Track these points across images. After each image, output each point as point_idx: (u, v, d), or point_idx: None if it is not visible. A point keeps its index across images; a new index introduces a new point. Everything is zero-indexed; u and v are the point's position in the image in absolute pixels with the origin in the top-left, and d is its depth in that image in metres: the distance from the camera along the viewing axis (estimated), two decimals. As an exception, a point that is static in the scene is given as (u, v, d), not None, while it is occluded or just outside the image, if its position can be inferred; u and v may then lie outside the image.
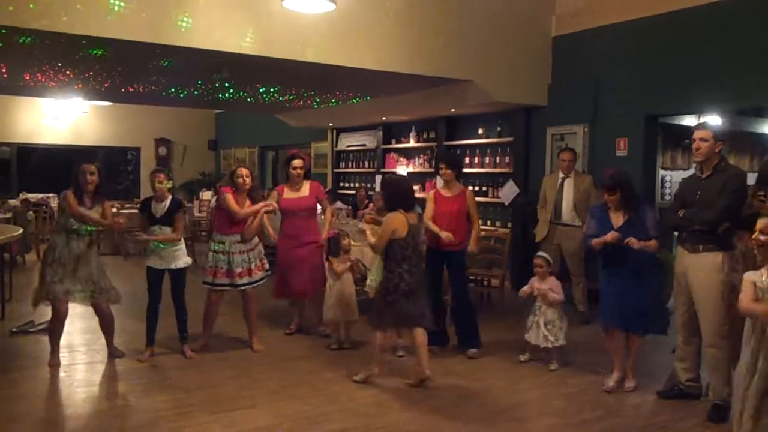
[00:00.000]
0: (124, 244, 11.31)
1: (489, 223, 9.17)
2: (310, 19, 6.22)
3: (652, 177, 7.52)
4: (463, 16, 7.35)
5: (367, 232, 5.20)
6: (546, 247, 6.67)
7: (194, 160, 16.42)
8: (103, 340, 5.45)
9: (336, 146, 12.65)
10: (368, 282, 5.80)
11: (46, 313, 5.34)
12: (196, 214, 11.71)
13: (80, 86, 8.88)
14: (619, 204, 4.73)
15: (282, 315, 6.62)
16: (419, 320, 4.75)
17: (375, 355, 4.88)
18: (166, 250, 5.29)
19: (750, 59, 6.20)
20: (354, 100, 9.77)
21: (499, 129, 9.11)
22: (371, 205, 8.46)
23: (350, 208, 9.87)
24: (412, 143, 10.67)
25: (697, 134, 4.33)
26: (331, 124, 12.22)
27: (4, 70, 7.67)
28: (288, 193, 6.08)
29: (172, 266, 5.33)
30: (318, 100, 9.86)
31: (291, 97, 9.62)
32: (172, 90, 9.13)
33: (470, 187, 8.75)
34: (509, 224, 8.76)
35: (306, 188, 6.12)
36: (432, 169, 9.82)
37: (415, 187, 9.35)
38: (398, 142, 11.09)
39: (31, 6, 5.20)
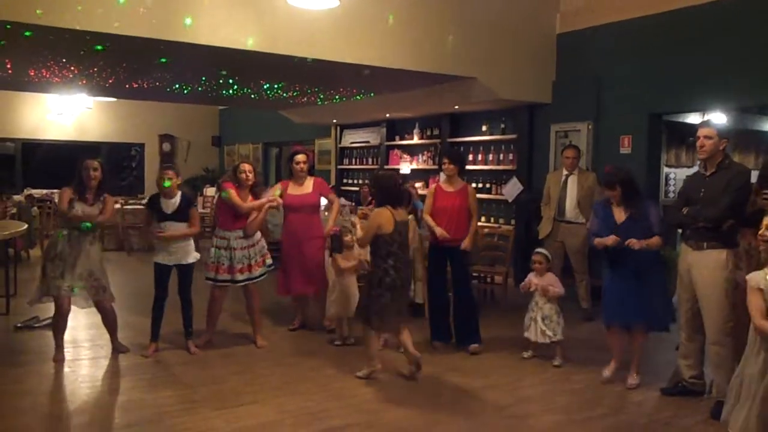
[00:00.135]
0: (128, 239, 11.34)
1: (492, 220, 9.18)
2: (315, 16, 6.22)
3: (656, 174, 7.50)
4: (467, 13, 7.34)
5: (357, 226, 5.24)
6: (549, 244, 6.67)
7: (198, 156, 16.43)
8: (107, 335, 5.47)
9: (340, 143, 12.65)
10: None
11: (50, 308, 5.35)
12: (200, 210, 11.71)
13: (84, 82, 8.90)
14: (621, 200, 4.74)
15: (285, 311, 6.63)
16: (402, 316, 4.83)
17: (370, 351, 4.89)
18: (175, 246, 5.30)
19: (754, 57, 6.19)
20: (358, 97, 9.77)
21: (502, 126, 9.09)
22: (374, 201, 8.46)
23: (354, 204, 9.86)
24: (415, 140, 10.66)
25: (701, 132, 4.33)
26: (334, 121, 12.22)
27: (8, 66, 7.69)
28: (292, 189, 6.09)
29: (182, 261, 5.35)
30: (322, 96, 9.86)
31: (295, 94, 9.62)
32: (176, 86, 9.14)
33: (473, 184, 8.87)
34: (513, 221, 8.76)
35: (309, 184, 6.13)
36: (435, 166, 9.82)
37: (418, 185, 9.47)
38: (402, 138, 11.08)
39: (37, 12, 5.22)
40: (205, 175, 15.80)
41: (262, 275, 5.70)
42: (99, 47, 6.29)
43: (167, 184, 5.27)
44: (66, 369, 5.05)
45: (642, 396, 4.63)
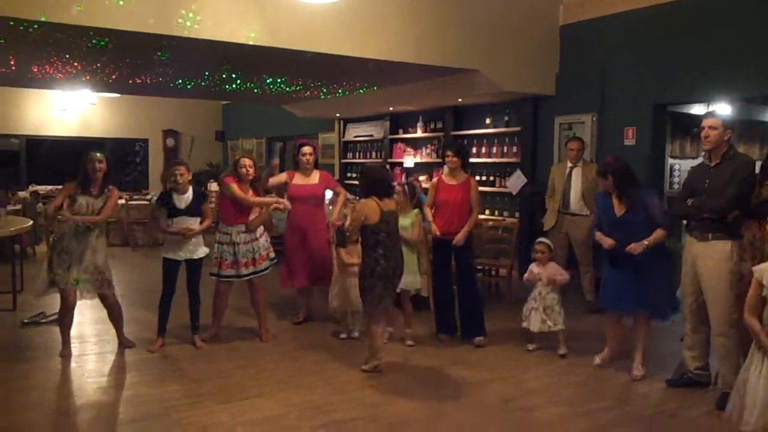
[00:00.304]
0: (133, 235, 11.37)
1: (497, 213, 9.17)
2: (317, 9, 6.20)
3: (661, 166, 7.48)
4: (470, 5, 7.32)
5: (349, 218, 5.28)
6: (554, 237, 6.66)
7: (202, 151, 16.42)
8: (114, 330, 5.49)
9: (343, 137, 12.64)
10: None
11: (56, 304, 5.38)
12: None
13: (88, 78, 8.90)
14: (615, 191, 4.77)
15: (290, 305, 6.64)
16: (386, 306, 4.93)
17: (375, 344, 4.91)
18: (186, 241, 5.32)
19: (758, 47, 6.15)
20: (361, 91, 9.76)
21: (506, 119, 9.07)
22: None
23: (357, 198, 9.86)
24: (419, 133, 10.65)
25: (706, 122, 4.31)
26: (338, 115, 12.21)
27: (12, 63, 7.70)
28: (298, 179, 6.10)
29: (193, 256, 5.37)
30: (325, 90, 9.85)
31: (298, 88, 9.61)
32: (179, 81, 9.15)
33: (477, 177, 8.86)
34: (517, 214, 8.74)
35: (316, 177, 6.15)
36: (439, 160, 9.81)
37: (422, 178, 9.45)
38: (405, 132, 11.07)
39: (42, 17, 5.24)
40: (209, 170, 15.80)
41: (266, 269, 5.70)
42: (101, 42, 6.30)
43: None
44: (73, 364, 5.07)
45: (647, 387, 4.63)
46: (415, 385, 4.68)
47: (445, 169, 5.80)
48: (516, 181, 8.61)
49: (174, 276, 5.38)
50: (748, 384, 3.43)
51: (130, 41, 6.13)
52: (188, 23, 5.83)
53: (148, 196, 12.63)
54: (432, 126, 10.38)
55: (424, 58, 7.15)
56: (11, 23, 5.47)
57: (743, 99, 7.45)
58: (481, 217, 8.66)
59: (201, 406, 4.21)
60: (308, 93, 10.14)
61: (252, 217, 5.58)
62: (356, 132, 12.27)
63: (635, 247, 4.59)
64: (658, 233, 4.62)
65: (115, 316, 5.41)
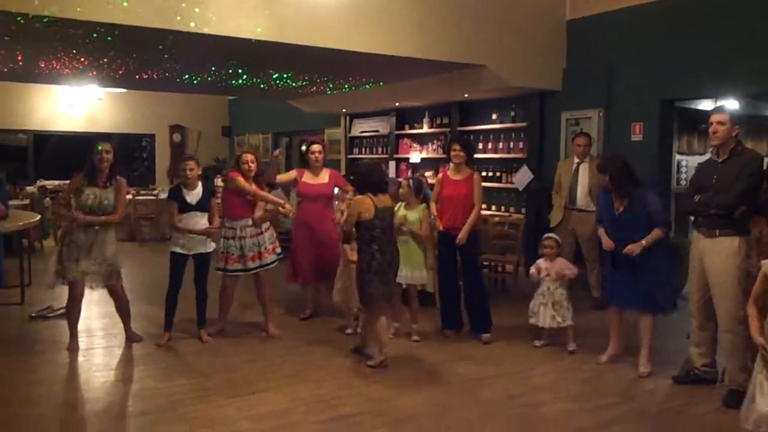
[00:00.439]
0: (139, 230, 11.41)
1: (503, 208, 9.15)
2: (323, 4, 6.20)
3: (668, 162, 7.44)
4: (477, 0, 7.29)
5: (345, 213, 5.30)
6: (560, 233, 6.64)
7: (208, 146, 16.44)
8: (121, 324, 5.51)
9: (349, 132, 12.63)
10: None
11: (64, 298, 5.40)
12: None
13: (95, 73, 8.92)
14: (611, 188, 4.79)
15: (297, 300, 6.66)
16: (386, 301, 4.95)
17: (380, 339, 4.92)
18: (194, 236, 5.34)
19: (765, 43, 6.11)
20: (367, 86, 9.75)
21: (513, 114, 9.05)
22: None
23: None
24: (425, 129, 10.63)
25: (714, 118, 4.29)
26: (344, 110, 12.20)
27: (19, 58, 7.72)
28: (307, 178, 6.11)
29: (201, 250, 5.39)
30: (331, 85, 9.84)
31: (304, 83, 9.61)
32: (186, 76, 9.15)
33: (483, 173, 8.84)
34: (523, 210, 8.73)
35: (326, 176, 6.16)
36: (445, 155, 9.79)
37: (428, 174, 9.44)
38: (411, 127, 11.04)
39: (48, 11, 5.24)
40: (215, 165, 15.83)
41: (272, 262, 5.71)
42: (109, 38, 6.30)
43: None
44: (80, 358, 5.10)
45: (654, 384, 4.62)
46: (422, 380, 4.68)
47: (451, 165, 5.79)
48: (522, 177, 8.59)
49: (181, 270, 5.39)
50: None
51: (137, 36, 6.14)
52: (195, 18, 5.83)
53: (155, 192, 12.66)
54: (438, 121, 10.36)
55: (431, 53, 7.13)
56: (18, 19, 5.48)
57: (751, 94, 7.41)
58: (488, 212, 8.66)
59: (208, 400, 4.23)
60: (314, 88, 10.13)
61: (258, 214, 5.59)
62: (362, 127, 12.26)
63: (632, 249, 4.62)
64: (656, 233, 4.63)
65: (122, 308, 5.43)
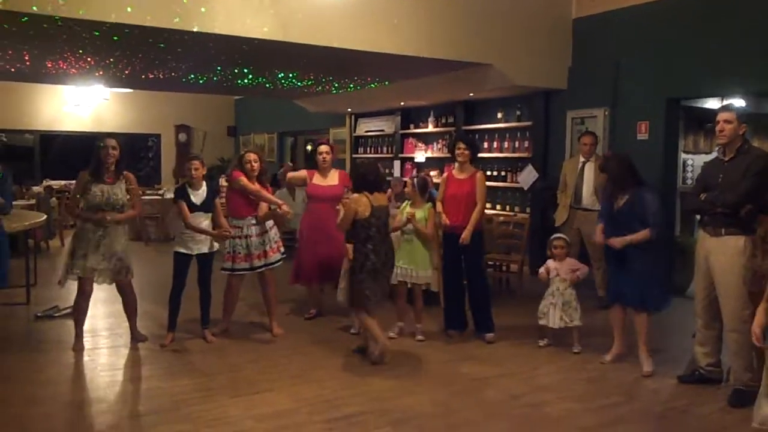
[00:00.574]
0: (145, 229, 11.44)
1: (508, 208, 9.14)
2: (328, 3, 6.20)
3: (674, 161, 7.42)
4: (482, -2, 7.29)
5: (341, 212, 5.30)
6: (566, 232, 6.62)
7: (214, 146, 16.49)
8: (126, 324, 5.52)
9: (354, 132, 12.64)
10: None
11: (70, 298, 5.42)
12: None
13: (101, 73, 8.96)
14: (610, 185, 4.86)
15: (301, 300, 6.66)
16: (378, 300, 4.97)
17: (375, 333, 4.93)
18: (198, 235, 5.34)
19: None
20: (372, 85, 9.75)
21: (518, 113, 9.03)
22: (389, 190, 8.46)
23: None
24: (430, 128, 10.62)
25: (721, 116, 4.27)
26: (349, 110, 12.20)
27: (26, 58, 7.76)
28: (317, 179, 6.12)
29: (205, 250, 5.39)
30: (336, 85, 9.85)
31: (309, 83, 9.62)
32: (192, 76, 9.18)
33: (488, 172, 8.82)
34: (528, 209, 8.72)
35: (335, 177, 6.16)
36: (450, 155, 9.79)
37: (433, 173, 9.44)
38: (416, 127, 11.04)
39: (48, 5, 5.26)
40: (221, 165, 15.87)
41: (277, 261, 5.71)
42: (115, 38, 6.32)
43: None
44: (85, 358, 5.12)
45: (658, 384, 4.60)
46: (426, 379, 4.68)
47: (456, 163, 5.78)
48: (527, 176, 8.57)
49: (185, 270, 5.39)
50: None
51: (142, 36, 6.15)
52: (201, 17, 5.84)
53: (161, 191, 12.69)
54: (443, 121, 10.36)
55: (437, 53, 7.13)
56: (25, 19, 5.50)
57: (758, 93, 7.36)
58: (492, 212, 8.64)
59: (212, 399, 4.23)
60: (320, 88, 10.14)
61: (261, 212, 5.59)
62: (367, 127, 12.26)
63: (614, 242, 4.70)
64: (644, 233, 4.66)
65: (130, 305, 5.42)
